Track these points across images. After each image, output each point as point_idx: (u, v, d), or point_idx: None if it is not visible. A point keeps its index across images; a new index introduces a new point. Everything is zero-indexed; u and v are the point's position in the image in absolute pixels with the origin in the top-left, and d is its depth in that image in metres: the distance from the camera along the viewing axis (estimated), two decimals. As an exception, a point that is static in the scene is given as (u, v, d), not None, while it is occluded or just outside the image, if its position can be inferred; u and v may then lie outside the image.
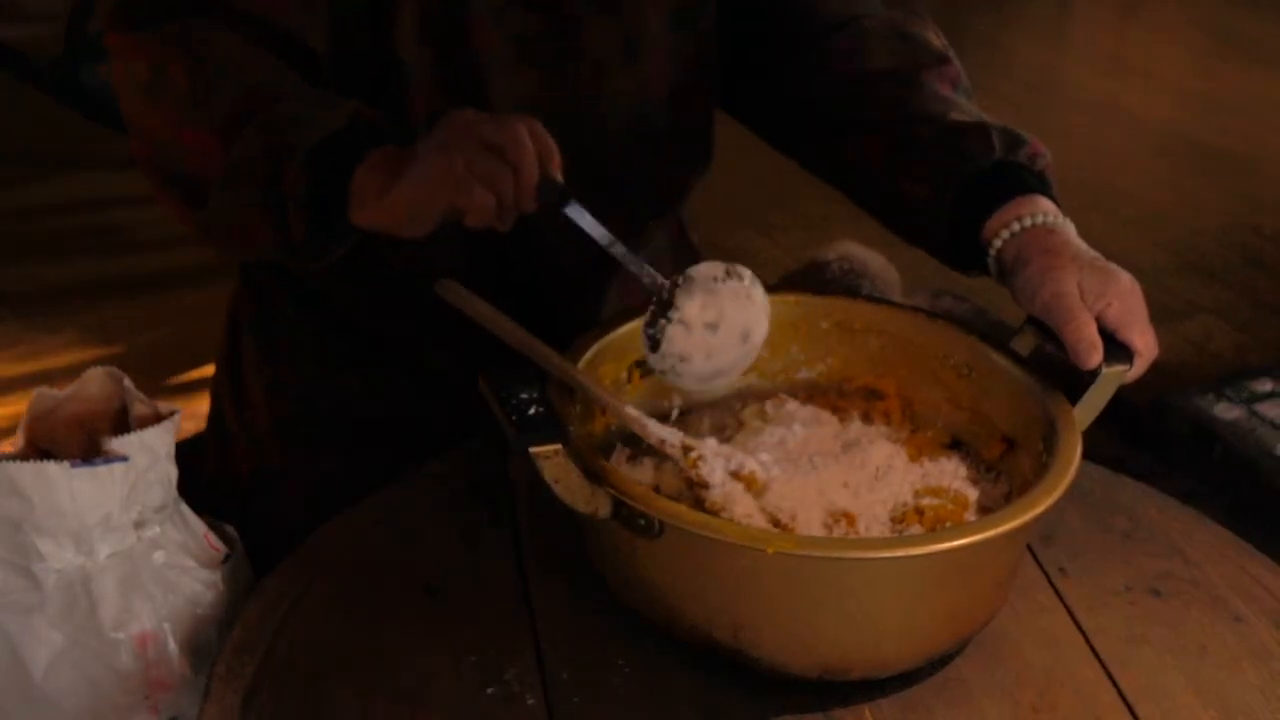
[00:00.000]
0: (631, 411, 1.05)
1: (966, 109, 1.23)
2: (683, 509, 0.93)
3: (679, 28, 1.26)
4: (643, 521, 0.91)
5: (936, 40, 1.29)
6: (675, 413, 1.14)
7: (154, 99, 1.10)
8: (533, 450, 0.91)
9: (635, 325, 1.07)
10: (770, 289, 1.08)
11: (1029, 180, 1.14)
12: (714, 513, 1.00)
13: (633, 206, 1.32)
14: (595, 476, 0.93)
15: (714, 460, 1.03)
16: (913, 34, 1.28)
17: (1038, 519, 0.94)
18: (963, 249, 1.16)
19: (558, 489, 0.92)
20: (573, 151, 1.21)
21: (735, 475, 1.03)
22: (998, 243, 1.11)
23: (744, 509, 1.00)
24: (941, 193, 1.16)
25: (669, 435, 1.04)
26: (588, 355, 1.06)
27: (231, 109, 1.05)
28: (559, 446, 0.91)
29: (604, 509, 0.93)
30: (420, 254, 1.11)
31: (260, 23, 1.11)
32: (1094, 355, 1.04)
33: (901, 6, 1.31)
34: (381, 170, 1.00)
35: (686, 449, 1.03)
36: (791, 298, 1.18)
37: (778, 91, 1.33)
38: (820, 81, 1.29)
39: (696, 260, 1.47)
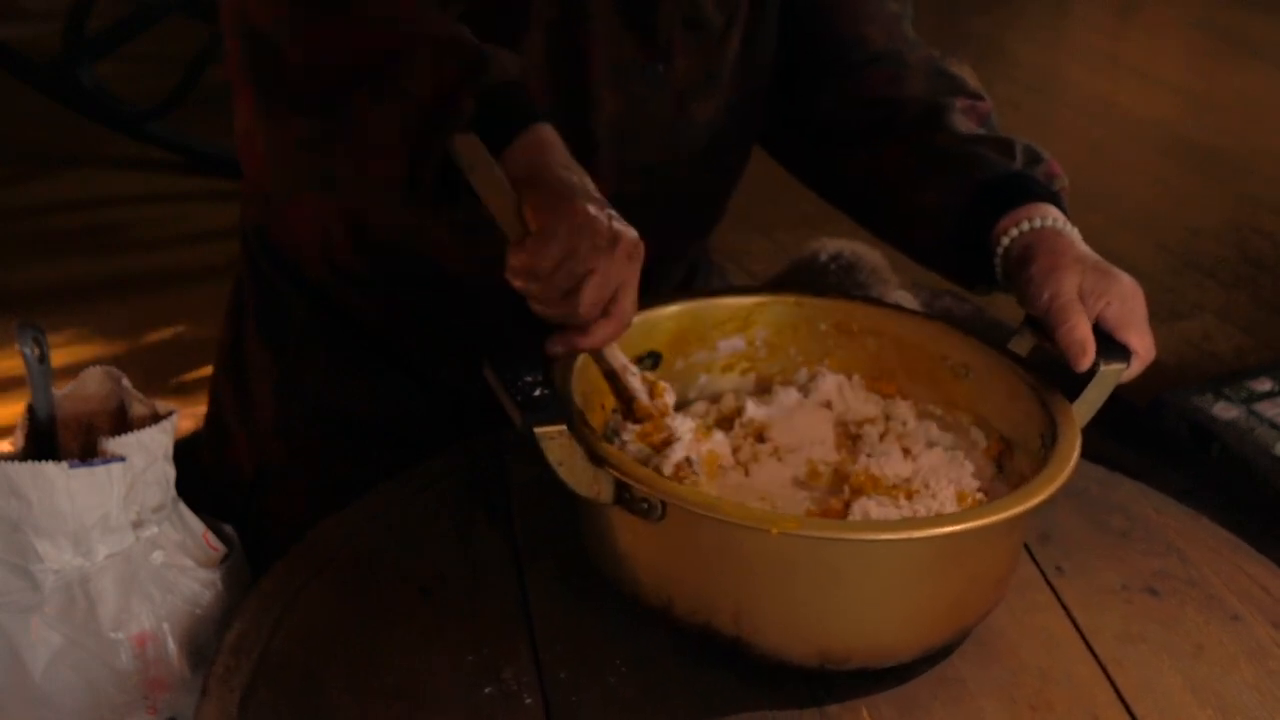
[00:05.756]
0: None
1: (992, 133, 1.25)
2: (686, 490, 0.93)
3: (747, 55, 1.28)
4: (645, 504, 0.92)
5: (972, 81, 1.31)
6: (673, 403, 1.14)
7: None
8: (537, 430, 0.91)
9: (643, 317, 1.07)
10: (768, 289, 1.08)
11: (1043, 193, 1.15)
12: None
13: (695, 222, 1.36)
14: (598, 458, 0.93)
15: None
16: (950, 72, 1.31)
17: (1039, 506, 0.94)
18: (968, 255, 1.17)
19: (561, 471, 0.92)
20: (646, 173, 1.21)
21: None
22: (1006, 240, 1.12)
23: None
24: (956, 194, 1.17)
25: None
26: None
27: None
28: (563, 427, 0.91)
29: (606, 492, 0.93)
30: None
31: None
32: (1085, 357, 1.05)
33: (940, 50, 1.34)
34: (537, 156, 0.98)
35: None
36: (790, 299, 1.18)
37: (803, 110, 1.35)
38: (852, 104, 1.31)
39: (711, 267, 1.49)
